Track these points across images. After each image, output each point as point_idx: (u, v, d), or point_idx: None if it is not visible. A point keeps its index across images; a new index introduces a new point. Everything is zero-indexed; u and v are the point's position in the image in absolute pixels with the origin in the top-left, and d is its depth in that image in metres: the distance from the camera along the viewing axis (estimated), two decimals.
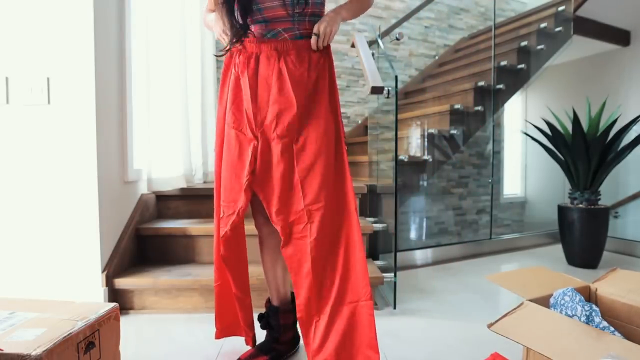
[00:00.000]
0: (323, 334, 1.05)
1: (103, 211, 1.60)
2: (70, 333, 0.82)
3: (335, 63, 1.22)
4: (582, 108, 2.77)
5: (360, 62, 2.04)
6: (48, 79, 1.51)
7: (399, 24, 3.30)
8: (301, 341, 1.30)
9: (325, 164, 1.09)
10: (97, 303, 1.01)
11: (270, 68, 1.10)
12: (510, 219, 4.31)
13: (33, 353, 0.73)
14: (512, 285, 1.16)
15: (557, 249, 2.81)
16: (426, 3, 3.50)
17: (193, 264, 1.86)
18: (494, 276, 1.27)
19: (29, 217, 1.54)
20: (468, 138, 2.73)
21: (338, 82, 1.26)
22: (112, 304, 1.00)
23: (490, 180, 3.84)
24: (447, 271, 2.37)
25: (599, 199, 2.52)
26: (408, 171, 2.46)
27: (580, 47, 3.51)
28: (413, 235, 3.69)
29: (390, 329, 1.50)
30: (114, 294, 1.64)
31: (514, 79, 2.92)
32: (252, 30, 1.12)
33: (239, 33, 1.09)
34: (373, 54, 2.38)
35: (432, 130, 2.58)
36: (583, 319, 0.97)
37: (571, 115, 2.44)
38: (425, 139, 2.60)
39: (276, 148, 1.09)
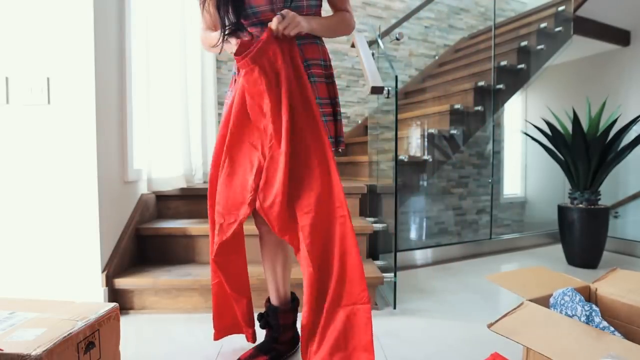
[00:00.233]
0: (319, 336, 1.05)
1: (103, 211, 1.60)
2: (70, 333, 0.82)
3: (335, 63, 1.22)
4: (582, 108, 2.77)
5: (360, 62, 2.04)
6: (48, 79, 1.51)
7: (399, 24, 3.30)
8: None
9: (305, 167, 1.07)
10: (97, 303, 1.01)
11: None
12: (510, 219, 4.31)
13: (33, 353, 0.73)
14: (512, 285, 1.16)
15: (557, 249, 2.81)
16: (426, 3, 3.50)
17: (193, 264, 1.86)
18: (494, 276, 1.27)
19: (29, 217, 1.54)
20: (468, 138, 2.73)
21: (338, 82, 1.25)
22: (112, 304, 1.00)
23: (490, 180, 3.84)
24: (447, 271, 2.37)
25: (599, 199, 2.52)
26: (408, 171, 2.46)
27: (580, 47, 3.51)
28: (413, 235, 3.69)
29: (390, 329, 1.50)
30: (114, 294, 1.64)
31: (514, 79, 2.92)
32: (250, 32, 1.13)
33: (230, 29, 1.09)
34: (373, 54, 2.39)
35: (432, 130, 2.58)
36: (583, 319, 0.97)
37: (571, 115, 2.44)
38: (425, 139, 2.60)
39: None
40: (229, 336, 1.35)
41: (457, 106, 2.61)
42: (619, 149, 2.44)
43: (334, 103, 1.22)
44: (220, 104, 3.14)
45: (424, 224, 3.73)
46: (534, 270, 1.30)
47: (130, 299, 1.67)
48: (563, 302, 1.02)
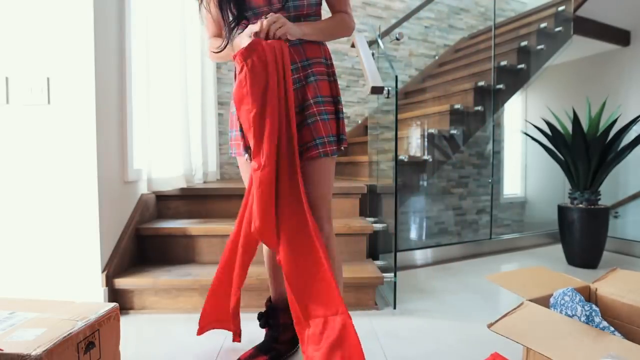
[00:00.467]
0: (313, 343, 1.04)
1: (103, 211, 1.60)
2: (70, 333, 0.82)
3: (335, 63, 1.21)
4: (582, 108, 2.78)
5: (360, 62, 2.04)
6: (48, 79, 1.52)
7: (399, 24, 3.30)
8: None
9: (271, 178, 1.03)
10: (97, 303, 1.01)
11: None
12: (510, 219, 4.31)
13: (33, 353, 0.73)
14: (512, 285, 1.16)
15: (557, 249, 2.81)
16: (426, 3, 3.50)
17: (193, 264, 1.86)
18: (494, 276, 1.27)
19: (29, 217, 1.55)
20: (468, 138, 2.73)
21: (338, 82, 1.24)
22: (112, 304, 1.00)
23: (490, 180, 3.85)
24: (447, 271, 2.37)
25: (599, 199, 2.52)
26: (408, 171, 2.46)
27: (580, 47, 3.52)
28: (413, 235, 3.69)
29: (390, 328, 1.50)
30: (114, 294, 1.64)
31: (514, 79, 2.92)
32: None
33: (236, 24, 1.09)
34: (373, 54, 2.39)
35: (432, 130, 2.58)
36: (583, 319, 0.97)
37: (571, 115, 2.44)
38: (425, 139, 2.59)
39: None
40: (229, 336, 1.35)
41: (457, 106, 2.61)
42: (619, 149, 2.44)
43: (336, 101, 1.21)
44: (220, 104, 3.14)
45: (424, 224, 3.73)
46: (534, 270, 1.30)
47: (130, 299, 1.67)
48: (563, 302, 1.02)
